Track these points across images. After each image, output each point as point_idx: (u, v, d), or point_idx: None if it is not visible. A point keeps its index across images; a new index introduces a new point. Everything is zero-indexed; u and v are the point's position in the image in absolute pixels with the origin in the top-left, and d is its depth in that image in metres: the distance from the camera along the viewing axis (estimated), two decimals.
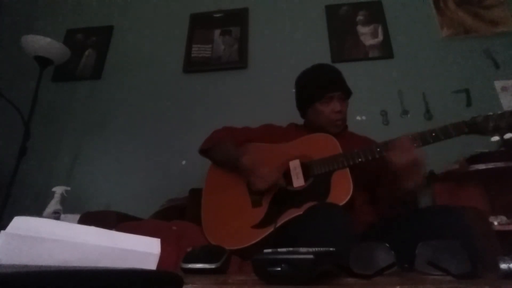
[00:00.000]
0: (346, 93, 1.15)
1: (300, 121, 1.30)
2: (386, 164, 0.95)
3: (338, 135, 1.08)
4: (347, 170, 0.95)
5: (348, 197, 0.89)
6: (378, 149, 0.96)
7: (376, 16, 2.04)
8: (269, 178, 0.98)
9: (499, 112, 0.87)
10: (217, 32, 2.17)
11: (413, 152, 0.86)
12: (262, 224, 0.95)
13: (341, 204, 0.87)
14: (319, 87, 1.12)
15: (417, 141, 0.92)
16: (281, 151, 1.09)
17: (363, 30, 2.02)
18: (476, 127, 0.88)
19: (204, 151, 1.19)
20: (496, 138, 0.85)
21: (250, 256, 0.86)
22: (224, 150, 1.12)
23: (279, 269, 0.39)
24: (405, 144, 0.88)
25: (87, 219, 1.18)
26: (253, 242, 0.93)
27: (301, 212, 0.86)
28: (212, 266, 0.59)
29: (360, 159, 0.96)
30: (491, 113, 0.87)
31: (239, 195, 1.06)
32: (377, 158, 0.95)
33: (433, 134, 0.91)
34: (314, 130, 1.15)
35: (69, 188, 1.60)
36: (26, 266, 0.28)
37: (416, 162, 0.85)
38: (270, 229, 0.92)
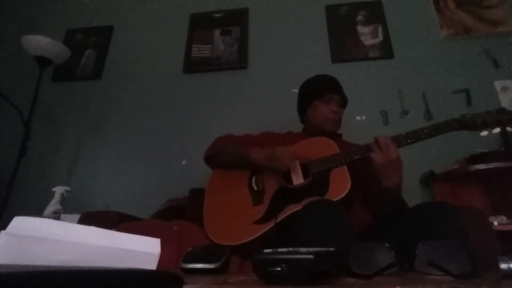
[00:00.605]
0: (344, 100, 1.24)
1: (297, 128, 1.33)
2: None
3: (334, 141, 1.10)
4: (345, 167, 0.98)
5: (347, 190, 0.91)
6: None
7: (376, 16, 2.04)
8: (288, 153, 1.03)
9: (487, 110, 0.92)
10: (217, 32, 2.17)
11: (392, 151, 0.90)
12: (262, 220, 0.97)
13: (340, 197, 0.90)
14: (321, 87, 1.22)
15: (410, 138, 0.95)
16: None
17: (363, 30, 2.02)
18: (465, 123, 0.92)
19: (209, 158, 1.22)
20: (485, 133, 0.92)
21: (250, 252, 0.88)
22: (231, 151, 1.15)
23: (279, 269, 0.39)
24: (387, 145, 0.91)
25: (87, 219, 1.18)
26: (254, 237, 0.94)
27: (301, 207, 0.88)
28: (212, 266, 0.59)
29: (357, 157, 0.98)
30: (478, 111, 0.93)
31: (241, 194, 1.08)
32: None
33: (425, 131, 0.95)
34: (312, 130, 1.22)
35: (69, 188, 1.60)
36: (26, 266, 0.28)
37: (393, 161, 0.89)
38: (271, 224, 0.94)
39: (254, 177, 1.10)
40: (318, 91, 1.21)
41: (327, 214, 0.77)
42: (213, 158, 1.20)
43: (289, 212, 0.93)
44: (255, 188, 1.07)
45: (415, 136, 0.95)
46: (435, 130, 0.94)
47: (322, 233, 0.72)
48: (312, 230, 0.75)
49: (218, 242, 0.98)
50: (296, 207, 0.92)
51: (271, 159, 1.04)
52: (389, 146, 0.90)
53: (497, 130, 0.91)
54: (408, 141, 0.95)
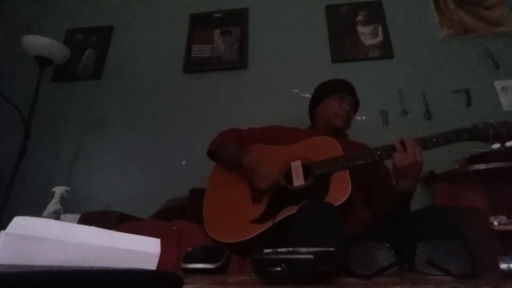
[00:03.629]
0: (356, 104, 1.28)
1: (302, 126, 1.33)
2: (382, 167, 1.02)
3: (340, 140, 1.10)
4: (347, 171, 0.97)
5: (346, 196, 0.90)
6: (378, 152, 0.97)
7: (376, 16, 2.03)
8: (269, 178, 1.01)
9: (501, 120, 0.87)
10: (217, 32, 2.17)
11: (418, 157, 0.89)
12: (260, 220, 0.98)
13: (339, 203, 0.89)
14: (338, 86, 1.27)
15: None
16: (284, 152, 1.12)
17: (363, 30, 2.02)
18: (477, 134, 0.89)
19: (211, 153, 1.22)
20: (497, 145, 0.86)
21: (248, 251, 0.88)
22: (229, 151, 1.15)
23: (279, 269, 0.39)
24: (413, 147, 0.91)
25: (87, 219, 1.18)
26: (251, 236, 0.94)
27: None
28: (212, 266, 0.59)
29: (360, 161, 0.97)
30: (492, 121, 0.88)
31: (241, 192, 1.08)
32: (376, 161, 0.96)
33: (434, 139, 0.92)
34: (320, 125, 1.23)
35: (69, 188, 1.60)
36: (26, 266, 0.28)
37: (416, 163, 0.89)
38: (268, 224, 0.94)
39: None
40: (334, 87, 1.26)
41: (320, 217, 0.77)
42: (215, 154, 1.21)
43: (287, 214, 0.93)
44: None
45: (422, 144, 0.93)
46: (443, 139, 0.91)
47: (315, 235, 0.73)
48: (305, 233, 0.75)
49: (216, 239, 0.98)
50: (294, 209, 0.91)
51: (253, 174, 1.04)
52: (415, 147, 0.90)
53: (510, 143, 0.86)
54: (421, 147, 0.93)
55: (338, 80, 1.30)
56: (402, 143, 0.93)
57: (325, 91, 1.27)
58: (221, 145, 1.18)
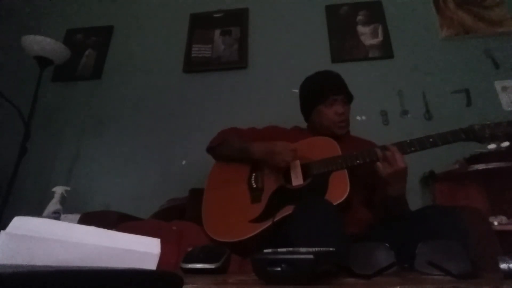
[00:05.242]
0: (348, 97, 1.19)
1: (303, 124, 1.32)
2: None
3: (340, 138, 1.10)
4: (345, 171, 0.97)
5: (344, 196, 0.91)
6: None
7: (376, 16, 2.03)
8: (290, 148, 1.02)
9: (496, 121, 0.89)
10: (217, 32, 2.17)
11: (399, 162, 0.89)
12: (259, 219, 0.98)
13: (337, 202, 0.89)
14: (323, 90, 1.15)
15: (415, 146, 0.94)
16: None
17: (363, 30, 2.02)
18: (473, 135, 0.90)
19: (212, 149, 1.22)
20: (493, 145, 0.87)
21: (247, 250, 0.88)
22: (233, 144, 1.16)
23: (279, 269, 0.39)
24: (393, 155, 0.90)
25: (87, 219, 1.18)
26: (250, 235, 0.94)
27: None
28: (212, 266, 0.59)
29: (358, 161, 0.97)
30: (488, 122, 0.89)
31: (239, 191, 1.08)
32: (375, 160, 0.97)
33: (431, 140, 0.93)
34: (318, 132, 1.19)
35: (69, 188, 1.60)
36: (26, 266, 0.28)
37: (399, 172, 0.88)
38: (267, 224, 0.94)
39: (254, 174, 1.10)
40: (320, 95, 1.15)
41: (317, 215, 0.77)
42: (216, 149, 1.21)
43: (286, 213, 0.93)
44: (254, 186, 1.07)
45: (420, 144, 0.93)
46: (440, 139, 0.92)
47: (313, 234, 0.73)
48: (303, 232, 0.75)
49: (214, 238, 0.98)
50: (292, 209, 0.92)
51: (270, 154, 1.04)
52: (396, 155, 0.90)
53: (506, 143, 0.87)
54: (412, 149, 0.94)
55: (321, 80, 1.19)
56: (383, 151, 0.92)
57: (312, 100, 1.18)
58: (223, 141, 1.19)
